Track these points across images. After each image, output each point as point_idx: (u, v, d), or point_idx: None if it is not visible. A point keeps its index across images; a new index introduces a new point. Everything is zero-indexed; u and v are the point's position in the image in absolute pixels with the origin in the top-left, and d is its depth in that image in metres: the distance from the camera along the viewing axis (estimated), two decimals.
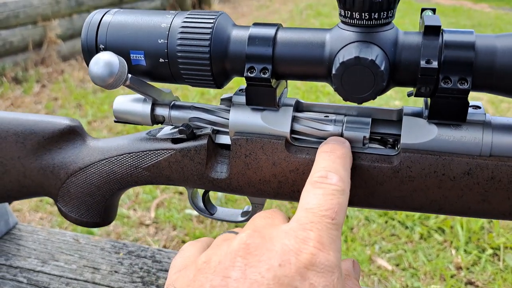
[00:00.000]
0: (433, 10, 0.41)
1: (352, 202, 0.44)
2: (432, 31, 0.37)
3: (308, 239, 0.31)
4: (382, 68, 0.36)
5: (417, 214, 1.71)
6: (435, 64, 0.37)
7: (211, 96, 2.82)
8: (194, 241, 0.41)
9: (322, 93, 2.92)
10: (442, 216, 1.71)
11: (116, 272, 0.68)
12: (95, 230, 1.63)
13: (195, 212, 1.72)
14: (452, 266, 1.49)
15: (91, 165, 0.52)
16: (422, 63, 0.37)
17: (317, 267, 0.30)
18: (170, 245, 1.60)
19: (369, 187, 0.42)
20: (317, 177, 0.36)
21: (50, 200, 1.85)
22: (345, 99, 0.39)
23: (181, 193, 1.87)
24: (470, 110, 0.40)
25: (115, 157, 0.50)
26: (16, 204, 1.82)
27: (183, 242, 1.60)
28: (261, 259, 0.30)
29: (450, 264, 1.49)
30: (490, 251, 1.54)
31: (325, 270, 0.30)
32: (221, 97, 0.48)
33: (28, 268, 0.68)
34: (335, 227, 0.33)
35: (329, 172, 0.37)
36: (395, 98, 2.80)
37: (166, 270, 0.68)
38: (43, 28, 3.34)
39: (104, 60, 0.39)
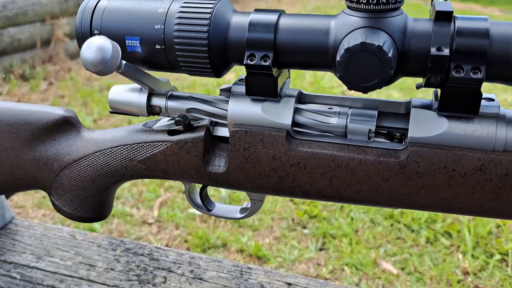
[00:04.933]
0: None
1: (355, 200, 0.41)
2: (444, 17, 0.35)
3: None
4: (390, 54, 0.34)
5: (423, 217, 1.68)
6: (446, 51, 0.34)
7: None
8: None
9: (323, 89, 2.90)
10: (449, 220, 1.68)
11: (112, 269, 0.66)
12: (97, 227, 1.62)
13: (198, 212, 1.70)
14: (459, 271, 1.46)
15: (85, 157, 0.50)
16: (433, 50, 0.35)
17: None
18: (173, 244, 1.58)
19: (374, 183, 0.40)
20: None
21: None
22: (350, 88, 0.37)
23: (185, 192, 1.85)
24: (483, 102, 0.38)
25: (110, 149, 0.49)
26: (20, 200, 1.82)
27: (186, 241, 1.59)
28: None
29: (457, 269, 1.46)
30: (498, 257, 1.51)
31: None
32: (220, 88, 0.46)
33: (22, 264, 0.67)
34: None
35: None
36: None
37: (164, 269, 0.66)
38: (51, 26, 3.35)
39: (97, 45, 0.37)
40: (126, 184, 1.89)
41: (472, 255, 1.51)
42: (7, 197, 0.77)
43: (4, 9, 3.03)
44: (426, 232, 1.61)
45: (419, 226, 1.64)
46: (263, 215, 1.71)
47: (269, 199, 1.79)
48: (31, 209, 1.79)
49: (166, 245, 1.58)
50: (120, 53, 0.39)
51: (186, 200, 1.79)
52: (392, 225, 1.66)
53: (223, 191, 1.77)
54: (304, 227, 1.67)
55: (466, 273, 1.45)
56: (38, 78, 3.10)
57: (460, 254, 1.52)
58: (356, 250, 1.53)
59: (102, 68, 0.37)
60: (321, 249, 1.57)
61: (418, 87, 0.41)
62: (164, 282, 0.64)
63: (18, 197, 1.83)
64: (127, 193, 1.85)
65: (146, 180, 1.88)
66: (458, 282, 1.41)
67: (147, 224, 1.69)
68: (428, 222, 1.67)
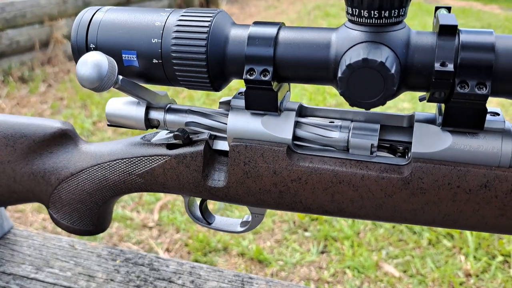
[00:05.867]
0: (448, 9, 0.37)
1: (358, 215, 0.41)
2: (448, 31, 0.34)
3: None
4: (393, 71, 0.33)
5: None
6: (450, 67, 0.34)
7: (217, 97, 2.80)
8: None
9: (329, 94, 2.89)
10: None
11: (112, 280, 0.65)
12: None
13: None
14: (461, 273, 1.45)
15: (83, 171, 0.49)
16: (437, 65, 0.34)
17: None
18: (173, 248, 1.58)
19: (377, 199, 0.39)
20: None
21: None
22: (352, 105, 0.36)
23: None
24: (488, 117, 0.37)
25: (108, 163, 0.48)
26: (19, 204, 1.81)
27: (186, 245, 1.58)
28: None
29: (459, 271, 1.46)
30: (500, 258, 1.50)
31: None
32: (220, 101, 0.45)
33: (21, 275, 0.66)
34: None
35: None
36: (403, 100, 2.76)
37: (164, 279, 0.65)
38: (49, 28, 3.34)
39: (93, 61, 0.37)
40: None
41: (474, 257, 1.50)
42: (5, 207, 0.76)
43: (2, 11, 3.02)
44: (428, 234, 1.60)
45: (421, 228, 1.64)
46: (264, 218, 1.70)
47: None
48: (31, 213, 1.78)
49: (167, 249, 1.57)
50: (117, 69, 0.38)
51: None
52: (393, 227, 1.66)
53: None
54: (306, 230, 1.67)
55: (468, 275, 1.45)
56: (37, 80, 3.09)
57: (462, 256, 1.51)
58: (358, 253, 1.53)
59: (98, 85, 0.37)
60: (322, 252, 1.56)
61: (421, 99, 0.40)
62: None
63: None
64: (127, 196, 1.84)
65: None
66: (461, 284, 1.41)
67: (147, 228, 1.68)
68: None
